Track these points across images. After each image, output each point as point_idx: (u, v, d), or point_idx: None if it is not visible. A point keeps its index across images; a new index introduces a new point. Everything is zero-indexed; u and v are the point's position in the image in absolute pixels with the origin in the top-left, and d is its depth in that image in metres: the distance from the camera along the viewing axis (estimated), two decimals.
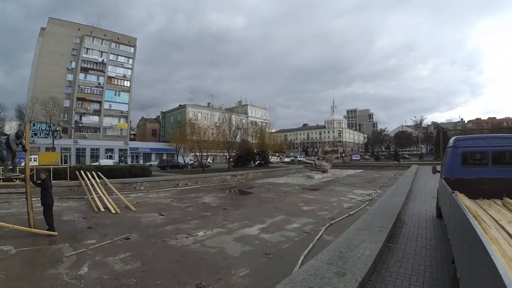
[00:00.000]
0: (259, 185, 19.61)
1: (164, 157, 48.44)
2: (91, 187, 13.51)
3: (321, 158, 27.24)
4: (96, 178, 15.07)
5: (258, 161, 37.27)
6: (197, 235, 7.29)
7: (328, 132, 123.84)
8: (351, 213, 9.50)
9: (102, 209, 10.55)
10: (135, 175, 21.46)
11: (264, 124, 51.49)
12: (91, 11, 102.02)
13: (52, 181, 15.76)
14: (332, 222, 8.33)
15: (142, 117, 68.21)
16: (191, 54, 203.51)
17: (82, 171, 15.85)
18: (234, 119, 33.86)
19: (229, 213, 10.34)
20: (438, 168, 7.00)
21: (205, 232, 7.58)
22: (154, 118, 66.69)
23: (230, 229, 8.02)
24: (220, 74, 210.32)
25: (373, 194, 13.72)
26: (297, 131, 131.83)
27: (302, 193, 15.22)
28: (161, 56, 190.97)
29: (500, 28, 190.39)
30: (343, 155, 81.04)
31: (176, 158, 41.18)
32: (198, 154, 28.52)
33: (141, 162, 47.28)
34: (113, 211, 10.24)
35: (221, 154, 33.04)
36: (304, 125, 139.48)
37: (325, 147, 53.01)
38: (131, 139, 64.80)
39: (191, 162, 44.18)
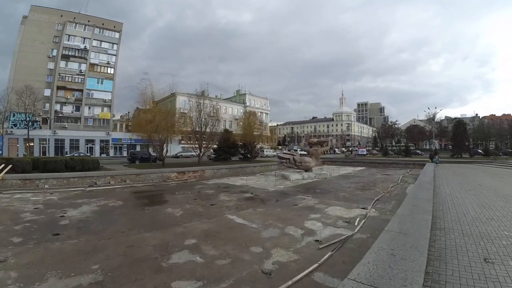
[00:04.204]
0: (201, 188, 13.00)
1: (150, 149, 43.00)
2: None
3: (306, 152, 20.05)
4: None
5: (244, 155, 30.82)
6: None
7: (336, 125, 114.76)
8: None
9: None
10: (73, 169, 16.65)
11: (248, 110, 44.41)
12: (102, 10, 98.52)
13: None
14: None
15: (137, 107, 62.75)
16: (201, 50, 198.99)
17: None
18: (209, 105, 27.22)
19: (34, 249, 4.20)
20: None
21: None
22: (149, 109, 61.30)
23: None
24: (230, 69, 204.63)
25: (356, 223, 6.74)
26: (304, 124, 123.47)
27: (237, 209, 8.44)
28: (172, 52, 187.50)
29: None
30: (350, 149, 72.45)
31: (166, 149, 35.36)
32: (158, 145, 22.67)
33: (124, 154, 42.02)
34: None
35: (192, 146, 26.89)
36: (313, 118, 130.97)
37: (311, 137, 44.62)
38: (128, 131, 59.83)
39: (179, 153, 38.66)
